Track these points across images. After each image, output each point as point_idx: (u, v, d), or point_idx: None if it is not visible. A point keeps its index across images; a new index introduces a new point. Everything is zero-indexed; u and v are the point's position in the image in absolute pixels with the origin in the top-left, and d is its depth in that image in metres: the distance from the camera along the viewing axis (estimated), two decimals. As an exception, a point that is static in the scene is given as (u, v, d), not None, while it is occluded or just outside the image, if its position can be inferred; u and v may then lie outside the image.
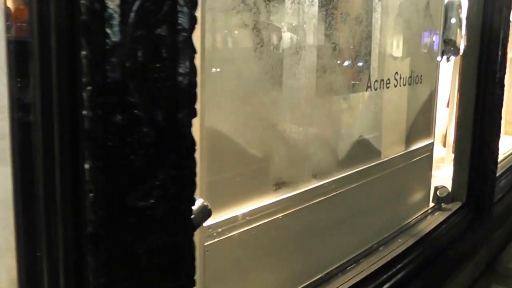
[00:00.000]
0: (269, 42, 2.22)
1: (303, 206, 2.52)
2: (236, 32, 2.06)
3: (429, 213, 3.86)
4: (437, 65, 3.60)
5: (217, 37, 2.02)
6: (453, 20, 4.40)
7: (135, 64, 1.12)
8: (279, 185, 2.38)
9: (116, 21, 1.08)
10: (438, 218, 3.82)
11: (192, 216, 1.46)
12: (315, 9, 2.37)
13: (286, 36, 2.28)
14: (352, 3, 2.62)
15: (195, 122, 1.95)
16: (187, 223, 1.43)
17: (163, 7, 1.16)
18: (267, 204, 2.28)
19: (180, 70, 1.28)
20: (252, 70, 2.12)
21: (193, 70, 1.33)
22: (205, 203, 1.61)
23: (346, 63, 2.52)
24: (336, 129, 2.67)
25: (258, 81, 2.15)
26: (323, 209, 2.61)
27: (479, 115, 3.68)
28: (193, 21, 1.30)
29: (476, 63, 3.59)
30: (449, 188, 4.00)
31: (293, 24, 2.30)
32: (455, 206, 3.93)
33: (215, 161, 1.93)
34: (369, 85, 2.69)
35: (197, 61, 1.91)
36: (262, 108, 2.19)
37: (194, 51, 1.29)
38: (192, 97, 1.32)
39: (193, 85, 1.33)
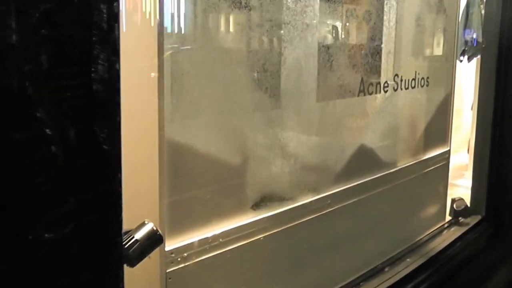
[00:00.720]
0: (248, 40, 1.96)
1: (292, 224, 2.23)
2: (209, 27, 1.82)
3: (445, 228, 3.54)
4: (452, 66, 3.26)
5: (182, 35, 1.77)
6: (475, 17, 4.03)
7: (37, 70, 0.94)
8: (261, 202, 2.11)
9: (12, 17, 0.89)
10: (454, 233, 3.52)
11: (138, 244, 1.31)
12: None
13: (267, 34, 2.01)
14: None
15: (153, 134, 1.76)
16: (112, 257, 1.21)
17: (73, 1, 0.98)
18: (246, 224, 2.01)
19: (95, 76, 1.04)
20: (228, 72, 1.86)
21: (114, 75, 1.13)
22: (154, 228, 1.41)
23: (332, 64, 2.22)
24: (330, 137, 2.38)
25: (235, 83, 1.89)
26: (316, 227, 2.33)
27: (498, 119, 3.34)
28: (112, 18, 1.10)
29: (495, 62, 3.25)
30: (469, 200, 3.65)
31: (274, 20, 2.02)
32: (473, 220, 3.60)
33: (179, 178, 1.75)
34: (361, 89, 2.38)
35: (153, 62, 1.74)
36: (240, 115, 1.92)
37: (115, 54, 1.07)
38: (113, 108, 1.11)
39: (114, 93, 1.13)
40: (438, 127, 3.30)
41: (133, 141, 1.62)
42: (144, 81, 1.69)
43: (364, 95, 2.41)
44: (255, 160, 2.05)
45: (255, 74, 1.98)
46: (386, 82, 2.57)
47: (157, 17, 1.64)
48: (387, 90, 2.56)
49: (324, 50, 2.26)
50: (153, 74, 1.66)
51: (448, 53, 3.22)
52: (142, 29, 1.67)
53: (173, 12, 1.73)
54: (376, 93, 2.47)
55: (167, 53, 1.70)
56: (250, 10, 1.94)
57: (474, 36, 4.07)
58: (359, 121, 2.48)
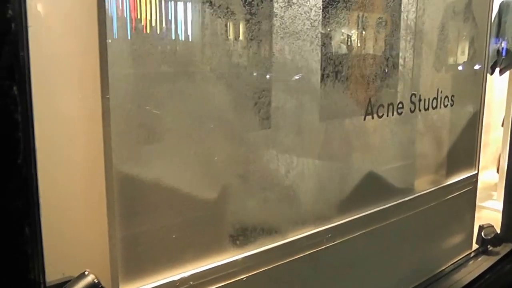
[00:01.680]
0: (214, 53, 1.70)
1: (286, 261, 1.96)
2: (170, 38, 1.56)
3: (471, 258, 3.21)
4: (482, 80, 2.93)
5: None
6: (509, 25, 3.68)
7: None
8: (243, 236, 1.83)
9: None
10: (483, 264, 3.22)
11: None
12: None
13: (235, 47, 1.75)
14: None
15: (98, 165, 1.50)
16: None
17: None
18: (224, 264, 1.74)
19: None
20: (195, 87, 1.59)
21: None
22: (95, 280, 1.19)
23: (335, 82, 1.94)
24: (330, 162, 2.09)
25: (206, 101, 1.62)
26: (316, 263, 2.05)
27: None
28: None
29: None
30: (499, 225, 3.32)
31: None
32: (504, 249, 3.29)
33: (136, 212, 1.51)
34: (369, 111, 2.08)
35: (95, 79, 1.47)
36: (214, 137, 1.65)
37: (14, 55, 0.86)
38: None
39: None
40: (464, 149, 2.98)
41: (75, 169, 1.41)
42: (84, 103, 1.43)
43: (373, 118, 2.11)
44: (235, 187, 1.78)
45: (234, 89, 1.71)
46: (400, 103, 2.26)
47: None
48: (401, 112, 2.25)
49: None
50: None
51: (477, 66, 2.88)
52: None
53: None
54: (388, 115, 2.17)
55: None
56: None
57: (507, 46, 3.72)
58: (367, 146, 2.19)
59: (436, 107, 2.47)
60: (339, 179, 2.16)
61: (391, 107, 2.19)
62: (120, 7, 1.41)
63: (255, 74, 1.77)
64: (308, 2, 1.86)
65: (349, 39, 2.07)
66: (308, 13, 1.88)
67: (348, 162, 2.18)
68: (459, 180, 2.98)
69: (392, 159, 2.44)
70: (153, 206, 1.55)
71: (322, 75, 1.95)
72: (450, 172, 2.89)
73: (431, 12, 2.48)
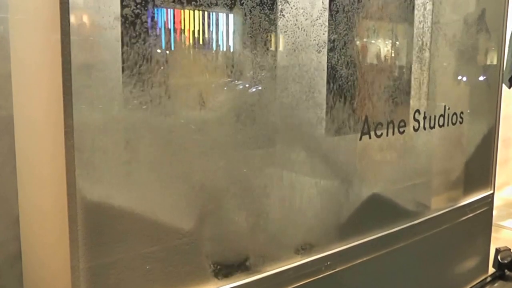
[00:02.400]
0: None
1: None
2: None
3: (487, 283, 3.05)
4: (497, 94, 2.74)
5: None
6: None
7: None
8: (226, 267, 1.69)
9: None
10: (499, 290, 3.00)
11: None
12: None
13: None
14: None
15: (61, 186, 1.39)
16: None
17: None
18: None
19: None
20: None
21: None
22: None
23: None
24: (335, 180, 1.94)
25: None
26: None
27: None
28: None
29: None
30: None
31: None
32: (522, 274, 3.07)
33: (102, 241, 1.37)
34: (365, 130, 1.92)
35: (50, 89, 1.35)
36: (197, 156, 1.52)
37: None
38: None
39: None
40: (478, 168, 2.80)
41: (37, 191, 1.31)
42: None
43: (370, 137, 1.94)
44: (217, 213, 1.64)
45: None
46: (402, 121, 2.09)
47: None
48: (403, 131, 2.08)
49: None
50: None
51: (491, 79, 2.70)
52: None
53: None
54: (387, 134, 2.01)
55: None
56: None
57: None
58: (367, 166, 2.03)
59: (443, 125, 2.29)
60: (338, 201, 2.01)
61: (391, 125, 2.03)
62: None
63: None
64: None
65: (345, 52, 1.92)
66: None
67: (347, 183, 2.03)
68: (473, 201, 2.80)
69: (396, 181, 2.27)
70: (124, 235, 1.42)
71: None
72: (463, 192, 2.72)
73: (439, 24, 2.32)
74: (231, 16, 1.60)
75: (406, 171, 2.34)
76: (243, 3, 1.60)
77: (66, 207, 1.35)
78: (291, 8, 1.75)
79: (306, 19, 1.78)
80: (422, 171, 2.41)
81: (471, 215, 2.81)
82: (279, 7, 1.71)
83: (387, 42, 2.10)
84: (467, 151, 2.68)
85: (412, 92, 2.21)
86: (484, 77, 2.67)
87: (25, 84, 1.43)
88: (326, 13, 1.83)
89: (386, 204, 2.27)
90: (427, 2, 2.27)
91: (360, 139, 1.91)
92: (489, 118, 2.77)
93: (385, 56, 2.07)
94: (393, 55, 2.13)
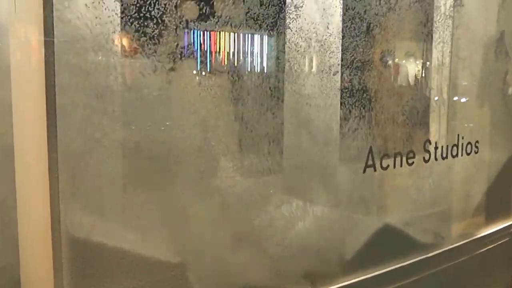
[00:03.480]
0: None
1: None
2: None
3: (509, 320, 2.87)
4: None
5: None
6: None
7: None
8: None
9: None
10: (521, 328, 2.83)
11: None
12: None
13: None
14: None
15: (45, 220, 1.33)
16: None
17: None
18: None
19: None
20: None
21: None
22: None
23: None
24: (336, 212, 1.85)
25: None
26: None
27: None
28: None
29: None
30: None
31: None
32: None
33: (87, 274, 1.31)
34: (369, 162, 1.83)
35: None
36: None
37: None
38: None
39: None
40: (497, 198, 2.66)
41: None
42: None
43: (375, 170, 1.85)
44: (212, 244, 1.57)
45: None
46: (411, 152, 1.99)
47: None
48: (412, 163, 1.98)
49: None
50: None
51: (511, 105, 2.58)
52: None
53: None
54: (394, 166, 1.91)
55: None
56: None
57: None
58: (374, 198, 1.93)
59: (456, 155, 2.18)
60: (347, 232, 1.92)
61: (398, 157, 1.93)
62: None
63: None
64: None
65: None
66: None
67: (356, 213, 1.94)
68: (493, 232, 2.66)
69: (410, 211, 2.17)
70: (110, 269, 1.36)
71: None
72: (482, 223, 2.59)
73: (455, 47, 2.22)
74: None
75: (421, 201, 2.23)
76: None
77: (50, 239, 1.31)
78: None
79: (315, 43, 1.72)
80: (437, 201, 2.30)
81: (491, 246, 2.67)
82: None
83: (396, 69, 2.02)
84: (485, 180, 2.55)
85: (423, 121, 2.11)
86: (504, 102, 2.55)
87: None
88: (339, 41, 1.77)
89: (399, 235, 2.16)
90: (444, 26, 2.18)
91: (364, 171, 1.82)
92: (509, 146, 2.64)
93: (392, 83, 1.98)
94: (402, 82, 2.04)
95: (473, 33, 2.32)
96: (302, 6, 1.70)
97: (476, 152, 2.28)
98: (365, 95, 1.89)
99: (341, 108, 1.82)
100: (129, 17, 1.35)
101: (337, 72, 1.79)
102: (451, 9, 2.20)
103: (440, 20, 2.19)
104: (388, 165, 1.87)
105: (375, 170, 1.83)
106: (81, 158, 1.29)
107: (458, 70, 2.27)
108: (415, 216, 2.16)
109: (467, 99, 2.34)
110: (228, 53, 1.55)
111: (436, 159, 2.09)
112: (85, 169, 1.31)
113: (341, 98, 1.82)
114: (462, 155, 2.21)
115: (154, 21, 1.42)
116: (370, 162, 1.80)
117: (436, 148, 2.09)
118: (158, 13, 1.40)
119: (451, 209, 2.39)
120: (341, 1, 1.78)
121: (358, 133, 1.86)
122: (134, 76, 1.42)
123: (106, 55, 1.31)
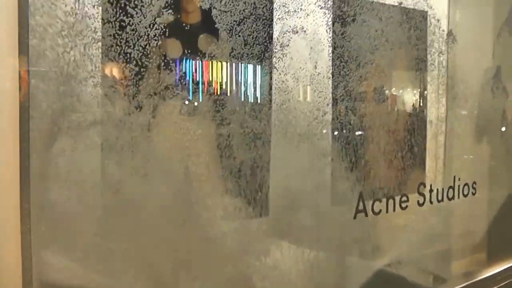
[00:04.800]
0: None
1: None
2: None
3: None
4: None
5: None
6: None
7: None
8: None
9: None
10: None
11: None
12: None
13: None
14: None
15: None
16: None
17: None
18: None
19: None
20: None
21: None
22: None
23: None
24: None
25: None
26: None
27: None
28: None
29: None
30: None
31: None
32: None
33: None
34: (360, 207, 1.74)
35: None
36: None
37: None
38: None
39: None
40: (500, 238, 2.56)
41: None
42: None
43: (366, 215, 1.76)
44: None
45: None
46: (404, 195, 1.90)
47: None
48: (406, 207, 1.89)
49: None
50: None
51: (510, 143, 2.50)
52: None
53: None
54: (387, 211, 1.83)
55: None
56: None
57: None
58: (371, 240, 1.84)
59: (452, 197, 2.09)
60: (340, 277, 1.82)
61: (391, 201, 1.84)
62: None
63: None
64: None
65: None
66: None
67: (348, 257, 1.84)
68: (496, 273, 2.55)
69: (407, 254, 2.07)
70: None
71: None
72: (484, 264, 2.48)
73: (450, 83, 2.16)
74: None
75: (418, 244, 2.13)
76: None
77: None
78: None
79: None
80: (435, 243, 2.21)
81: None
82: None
83: (390, 106, 1.95)
84: (485, 221, 2.45)
85: (417, 162, 2.03)
86: (503, 141, 2.47)
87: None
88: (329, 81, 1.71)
89: (397, 280, 2.06)
90: (437, 62, 2.13)
91: (355, 217, 1.73)
92: (508, 184, 2.55)
93: (385, 122, 1.91)
94: (395, 121, 1.97)
95: (468, 70, 2.26)
96: (288, 44, 1.64)
97: (473, 194, 2.19)
98: (356, 135, 1.82)
99: (331, 148, 1.75)
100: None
101: (326, 112, 1.72)
102: (445, 45, 2.15)
103: (433, 57, 2.14)
104: (380, 210, 1.78)
105: (366, 215, 1.75)
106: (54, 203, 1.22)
107: (454, 108, 2.20)
108: (411, 259, 2.07)
109: (463, 138, 2.26)
110: (210, 96, 1.49)
111: (431, 202, 2.00)
112: (58, 215, 1.24)
113: (332, 137, 1.75)
114: (459, 197, 2.12)
115: (134, 62, 1.36)
116: (361, 207, 1.71)
117: (431, 191, 2.00)
118: (138, 54, 1.34)
119: (450, 251, 2.29)
120: (330, 39, 1.73)
121: (350, 175, 1.78)
122: (114, 115, 1.36)
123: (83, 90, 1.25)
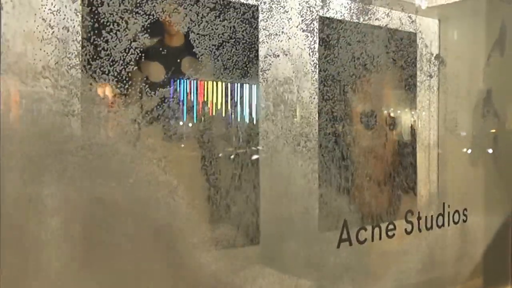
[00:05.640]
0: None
1: None
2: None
3: None
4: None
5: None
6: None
7: None
8: None
9: None
10: None
11: None
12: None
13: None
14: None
15: None
16: None
17: None
18: None
19: None
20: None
21: None
22: None
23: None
24: None
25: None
26: None
27: None
28: None
29: None
30: None
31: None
32: None
33: None
34: (344, 237, 1.68)
35: None
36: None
37: None
38: None
39: None
40: (493, 264, 2.48)
41: None
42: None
43: (351, 244, 1.69)
44: None
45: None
46: (391, 223, 1.84)
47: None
48: (393, 235, 1.83)
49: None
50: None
51: (503, 167, 2.44)
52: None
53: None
54: (372, 239, 1.76)
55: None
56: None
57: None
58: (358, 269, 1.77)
59: (442, 225, 2.03)
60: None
61: (377, 230, 1.78)
62: None
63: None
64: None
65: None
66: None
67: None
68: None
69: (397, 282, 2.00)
70: None
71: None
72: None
73: (439, 107, 2.12)
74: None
75: (405, 273, 2.06)
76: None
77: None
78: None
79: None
80: (424, 271, 2.13)
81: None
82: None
83: (377, 133, 1.90)
84: (478, 247, 2.38)
85: (405, 188, 1.98)
86: (496, 167, 2.41)
87: None
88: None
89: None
90: (426, 86, 2.09)
91: (338, 246, 1.66)
92: (505, 207, 2.48)
93: (372, 148, 1.86)
94: (383, 146, 1.92)
95: (458, 93, 2.21)
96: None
97: (464, 221, 2.12)
98: (343, 162, 1.77)
99: (318, 175, 1.70)
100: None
101: (316, 140, 1.67)
102: (434, 68, 2.11)
103: (422, 81, 2.10)
104: (365, 239, 1.72)
105: (350, 244, 1.68)
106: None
107: (444, 132, 2.15)
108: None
109: (454, 162, 2.21)
110: (194, 119, 1.45)
111: (420, 230, 1.94)
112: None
113: (319, 164, 1.70)
114: (449, 225, 2.05)
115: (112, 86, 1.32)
116: (345, 236, 1.65)
117: (419, 218, 1.94)
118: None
119: (443, 278, 2.22)
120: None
121: (336, 202, 1.73)
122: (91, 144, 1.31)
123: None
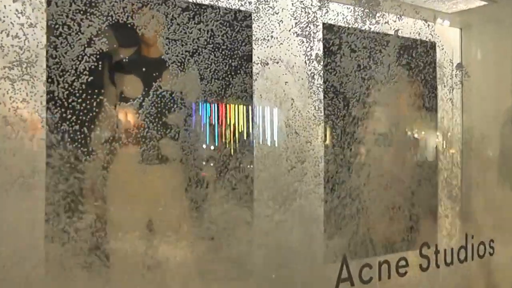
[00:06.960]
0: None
1: None
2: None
3: None
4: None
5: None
6: None
7: None
8: None
9: None
10: None
11: None
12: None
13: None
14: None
15: None
16: None
17: None
18: None
19: None
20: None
21: None
22: None
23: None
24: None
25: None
26: None
27: None
28: None
29: None
30: None
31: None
32: None
33: None
34: (344, 276, 1.42)
35: None
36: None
37: None
38: None
39: None
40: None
41: None
42: None
43: (352, 284, 1.43)
44: None
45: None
46: (403, 258, 1.58)
47: None
48: (405, 272, 1.56)
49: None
50: None
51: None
52: None
53: None
54: (380, 278, 1.50)
55: None
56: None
57: None
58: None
59: (465, 259, 1.75)
60: None
61: (385, 266, 1.51)
62: None
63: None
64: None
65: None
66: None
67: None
68: None
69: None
70: None
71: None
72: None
73: (463, 123, 1.87)
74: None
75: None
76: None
77: None
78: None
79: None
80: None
81: None
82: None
83: (390, 153, 1.66)
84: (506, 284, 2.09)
85: (421, 217, 1.72)
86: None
87: None
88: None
89: None
90: (448, 99, 1.85)
91: (337, 286, 1.40)
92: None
93: (381, 171, 1.61)
94: (396, 168, 1.67)
95: (484, 107, 1.95)
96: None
97: (491, 254, 1.84)
98: (348, 186, 1.53)
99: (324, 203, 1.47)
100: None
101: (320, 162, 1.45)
102: (456, 80, 1.86)
103: (444, 93, 1.85)
104: (371, 278, 1.46)
105: (352, 285, 1.42)
106: None
107: (467, 147, 1.89)
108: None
109: (479, 184, 1.93)
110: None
111: (438, 266, 1.67)
112: None
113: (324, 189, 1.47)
114: (472, 259, 1.77)
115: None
116: (344, 275, 1.39)
117: (437, 252, 1.67)
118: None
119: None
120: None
121: (340, 233, 1.49)
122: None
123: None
